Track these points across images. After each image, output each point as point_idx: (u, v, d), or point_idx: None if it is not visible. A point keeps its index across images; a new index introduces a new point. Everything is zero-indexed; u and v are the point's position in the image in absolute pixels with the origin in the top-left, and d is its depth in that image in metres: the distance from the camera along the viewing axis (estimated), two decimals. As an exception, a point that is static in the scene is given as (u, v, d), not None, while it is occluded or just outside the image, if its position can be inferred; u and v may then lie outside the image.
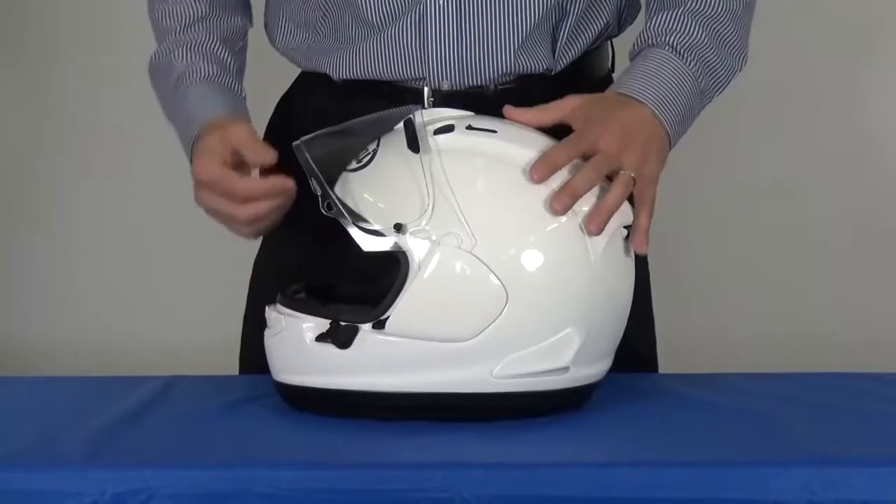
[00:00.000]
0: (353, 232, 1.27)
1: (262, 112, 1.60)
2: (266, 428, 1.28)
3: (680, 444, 1.22)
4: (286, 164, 1.34)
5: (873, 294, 2.39)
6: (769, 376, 1.47)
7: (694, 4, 1.48)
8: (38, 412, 1.34)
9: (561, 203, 1.26)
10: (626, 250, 1.32)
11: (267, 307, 1.34)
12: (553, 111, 1.36)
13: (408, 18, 1.48)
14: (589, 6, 1.53)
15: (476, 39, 1.48)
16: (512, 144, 1.30)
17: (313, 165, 1.27)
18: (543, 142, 1.32)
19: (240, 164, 1.37)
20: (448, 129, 1.30)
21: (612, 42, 1.61)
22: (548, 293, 1.26)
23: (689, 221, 2.32)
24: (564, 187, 1.27)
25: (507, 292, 1.24)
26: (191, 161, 1.42)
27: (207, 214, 1.39)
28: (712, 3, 1.48)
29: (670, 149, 1.41)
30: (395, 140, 1.29)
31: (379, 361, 1.26)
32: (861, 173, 2.39)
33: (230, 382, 1.46)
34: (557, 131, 1.35)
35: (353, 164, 1.30)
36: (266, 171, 1.36)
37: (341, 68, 1.52)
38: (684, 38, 1.45)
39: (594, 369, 1.31)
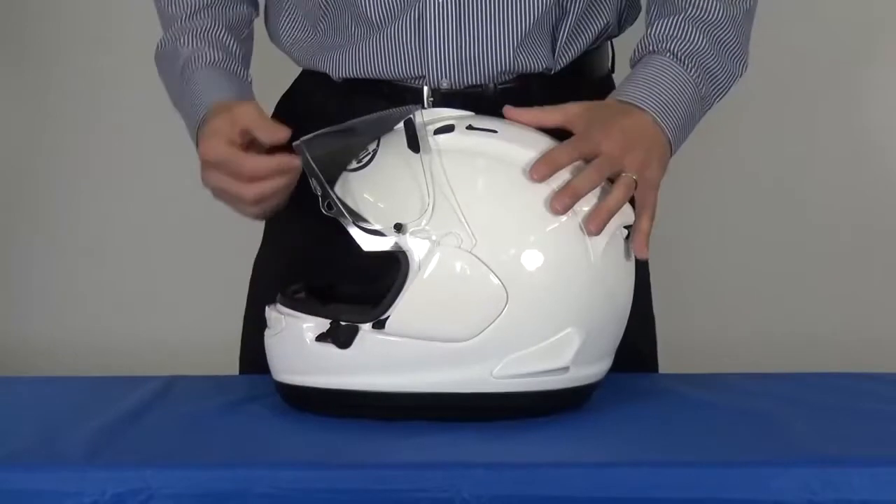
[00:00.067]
0: (354, 232, 1.27)
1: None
2: (266, 428, 1.28)
3: (680, 444, 1.22)
4: None
5: (873, 294, 2.39)
6: (769, 376, 1.47)
7: (694, 11, 1.48)
8: (38, 412, 1.34)
9: (561, 203, 1.26)
10: (627, 250, 1.32)
11: (267, 307, 1.34)
12: (554, 114, 1.36)
13: (407, 17, 1.48)
14: (589, 6, 1.53)
15: (475, 37, 1.48)
16: (512, 144, 1.30)
17: (313, 165, 1.27)
18: (544, 142, 1.32)
19: (247, 145, 1.36)
20: (448, 128, 1.30)
21: (612, 42, 1.61)
22: (548, 293, 1.26)
23: (690, 221, 2.32)
24: (565, 187, 1.27)
25: (507, 292, 1.24)
26: (197, 145, 1.42)
27: (213, 195, 1.38)
28: (713, 9, 1.48)
29: (671, 155, 1.41)
30: (396, 140, 1.29)
31: (379, 361, 1.26)
32: (861, 174, 2.38)
33: (230, 382, 1.46)
34: (557, 136, 1.35)
35: (354, 164, 1.30)
36: (271, 151, 1.35)
37: (341, 67, 1.52)
38: (685, 45, 1.45)
39: (594, 369, 1.31)
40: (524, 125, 1.35)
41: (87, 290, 2.42)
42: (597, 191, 1.30)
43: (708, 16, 1.47)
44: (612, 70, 1.62)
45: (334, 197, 1.27)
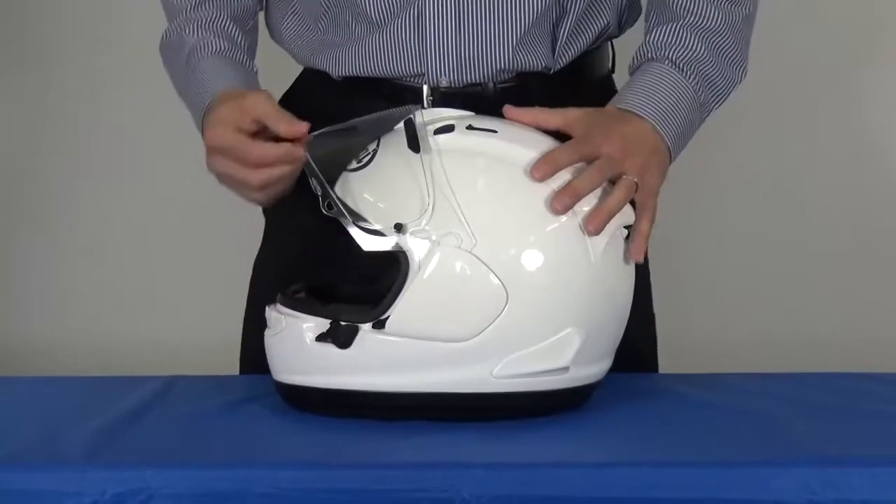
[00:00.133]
0: (354, 232, 1.27)
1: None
2: (266, 428, 1.28)
3: (680, 444, 1.22)
4: None
5: (873, 294, 2.39)
6: (769, 376, 1.47)
7: (693, 18, 1.48)
8: (38, 412, 1.34)
9: (562, 203, 1.26)
10: (627, 251, 1.32)
11: (267, 307, 1.34)
12: (554, 116, 1.36)
13: (406, 15, 1.48)
14: (589, 6, 1.53)
15: (474, 35, 1.48)
16: (512, 144, 1.30)
17: (314, 165, 1.27)
18: (544, 142, 1.32)
19: (254, 133, 1.35)
20: (448, 128, 1.30)
21: (612, 43, 1.61)
22: (548, 293, 1.26)
23: (690, 221, 2.32)
24: (566, 187, 1.27)
25: (507, 292, 1.24)
26: (202, 132, 1.41)
27: (219, 180, 1.38)
28: (712, 16, 1.48)
29: (670, 163, 1.42)
30: (396, 140, 1.29)
31: (379, 361, 1.26)
32: (861, 174, 2.38)
33: (230, 382, 1.46)
34: (556, 139, 1.35)
35: (354, 164, 1.30)
36: (275, 137, 1.34)
37: (341, 65, 1.52)
38: (684, 52, 1.45)
39: (594, 369, 1.31)
40: (524, 125, 1.34)
41: (87, 290, 2.42)
42: (597, 192, 1.30)
43: (706, 23, 1.48)
44: (613, 70, 1.62)
45: (334, 197, 1.27)
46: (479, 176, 1.29)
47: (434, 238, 1.25)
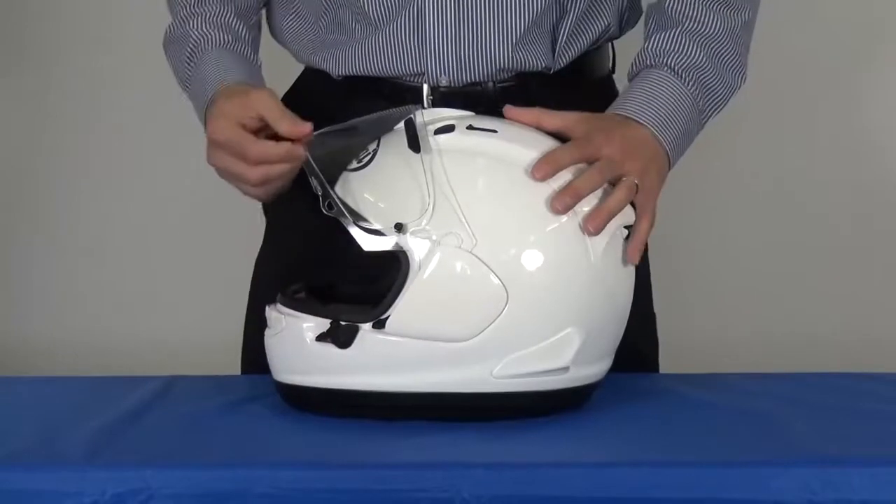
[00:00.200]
0: (354, 231, 1.27)
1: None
2: (266, 428, 1.28)
3: (680, 444, 1.22)
4: None
5: (873, 294, 2.39)
6: (769, 376, 1.47)
7: (692, 24, 1.48)
8: (38, 412, 1.34)
9: (562, 203, 1.26)
10: (625, 251, 1.32)
11: (267, 307, 1.34)
12: (554, 118, 1.35)
13: (406, 13, 1.48)
14: (589, 6, 1.53)
15: (473, 35, 1.48)
16: (513, 144, 1.30)
17: (314, 165, 1.27)
18: (545, 142, 1.32)
19: (256, 129, 1.35)
20: (449, 128, 1.30)
21: (612, 43, 1.61)
22: (548, 293, 1.26)
23: (690, 222, 2.32)
24: (567, 187, 1.27)
25: (507, 292, 1.24)
26: (204, 125, 1.41)
27: (218, 174, 1.38)
28: (710, 22, 1.48)
29: (669, 169, 1.42)
30: (396, 140, 1.29)
31: (379, 361, 1.26)
32: (861, 174, 2.39)
33: (230, 382, 1.46)
34: (557, 141, 1.35)
35: (354, 164, 1.30)
36: (277, 134, 1.34)
37: (341, 64, 1.52)
38: (682, 59, 1.45)
39: (594, 369, 1.31)
40: (524, 125, 1.34)
41: (87, 290, 2.42)
42: (598, 192, 1.30)
43: (705, 29, 1.47)
44: (613, 71, 1.62)
45: (335, 197, 1.27)
46: (479, 176, 1.28)
47: (434, 238, 1.25)
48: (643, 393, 1.38)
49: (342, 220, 1.27)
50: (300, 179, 1.32)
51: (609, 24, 1.55)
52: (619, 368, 1.35)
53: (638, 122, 1.40)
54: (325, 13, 1.54)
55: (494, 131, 1.30)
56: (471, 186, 1.27)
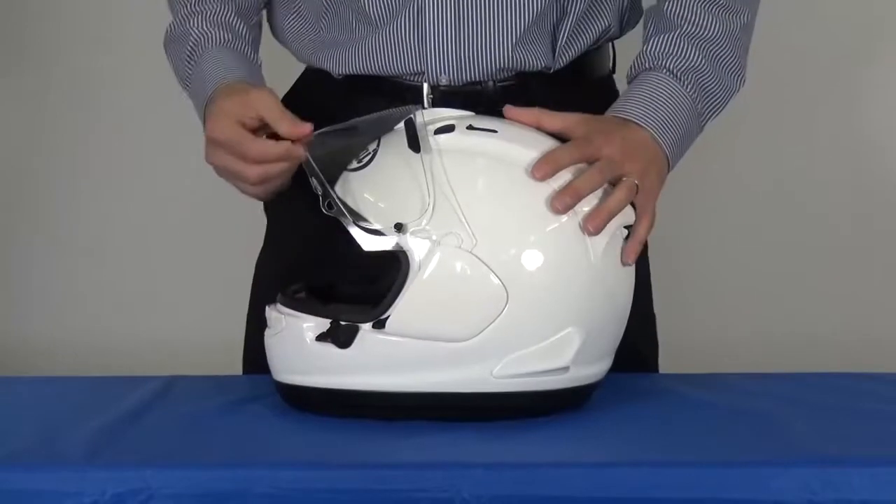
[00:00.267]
0: (354, 231, 1.27)
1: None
2: (266, 428, 1.28)
3: (680, 444, 1.22)
4: None
5: (873, 294, 2.39)
6: (769, 376, 1.47)
7: (691, 28, 1.48)
8: (38, 412, 1.34)
9: (562, 202, 1.26)
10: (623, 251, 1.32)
11: (267, 307, 1.34)
12: (554, 119, 1.35)
13: (406, 13, 1.48)
14: (589, 6, 1.53)
15: (473, 34, 1.48)
16: (513, 144, 1.30)
17: (314, 164, 1.27)
18: (545, 142, 1.32)
19: (255, 128, 1.35)
20: (449, 128, 1.30)
21: (612, 43, 1.61)
22: (548, 293, 1.26)
23: (690, 222, 2.32)
24: (567, 187, 1.27)
25: (507, 292, 1.24)
26: (204, 123, 1.41)
27: (217, 173, 1.38)
28: (709, 25, 1.48)
29: (668, 171, 1.42)
30: (396, 140, 1.29)
31: (379, 361, 1.26)
32: (861, 174, 2.39)
33: (230, 382, 1.46)
34: (557, 141, 1.35)
35: (354, 164, 1.30)
36: (276, 133, 1.34)
37: (341, 64, 1.52)
38: (681, 62, 1.45)
39: (594, 369, 1.31)
40: (524, 125, 1.34)
41: (87, 290, 2.42)
42: (598, 192, 1.30)
43: (704, 32, 1.48)
44: (613, 71, 1.62)
45: (335, 196, 1.27)
46: (479, 176, 1.28)
47: (434, 238, 1.25)
48: (643, 393, 1.38)
49: (342, 219, 1.27)
50: (300, 179, 1.32)
51: (609, 25, 1.55)
52: (619, 368, 1.35)
53: (637, 124, 1.40)
54: (325, 13, 1.54)
55: (494, 131, 1.30)
56: (471, 186, 1.27)
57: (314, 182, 1.28)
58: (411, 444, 1.21)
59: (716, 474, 1.13)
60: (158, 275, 2.41)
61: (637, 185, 1.33)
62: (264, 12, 1.62)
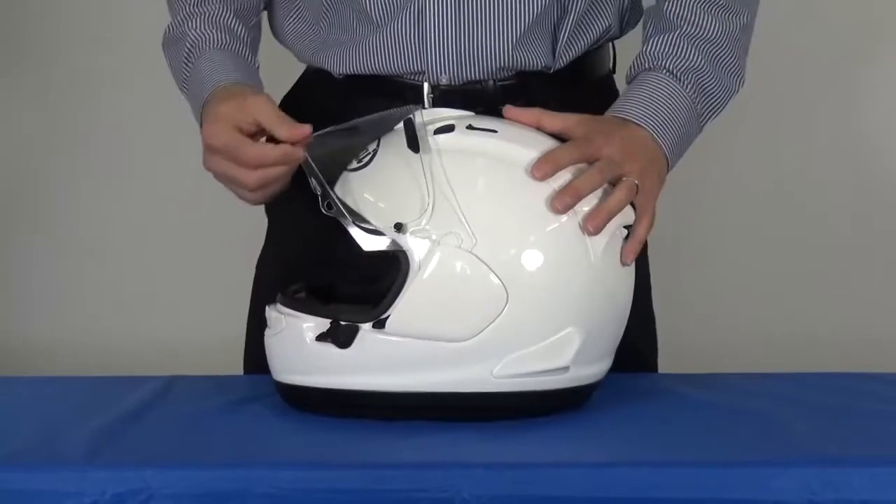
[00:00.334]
0: (354, 231, 1.27)
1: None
2: (266, 428, 1.28)
3: (680, 444, 1.22)
4: None
5: (873, 294, 2.39)
6: (769, 376, 1.47)
7: (690, 28, 1.48)
8: (38, 412, 1.34)
9: (562, 202, 1.26)
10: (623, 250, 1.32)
11: (267, 307, 1.34)
12: (554, 119, 1.35)
13: (407, 12, 1.48)
14: (590, 6, 1.53)
15: (474, 33, 1.48)
16: (512, 144, 1.30)
17: (313, 165, 1.27)
18: (545, 142, 1.32)
19: (252, 133, 1.35)
20: (448, 128, 1.30)
21: (612, 43, 1.61)
22: (548, 293, 1.26)
23: (690, 222, 2.32)
24: (567, 187, 1.27)
25: (507, 292, 1.24)
26: (201, 126, 1.41)
27: (216, 178, 1.38)
28: (709, 26, 1.48)
29: (668, 171, 1.42)
30: (396, 140, 1.29)
31: (379, 361, 1.26)
32: (860, 174, 2.39)
33: (230, 382, 1.46)
34: (557, 141, 1.35)
35: (354, 164, 1.30)
36: (273, 137, 1.34)
37: (342, 63, 1.52)
38: (681, 62, 1.45)
39: (594, 369, 1.31)
40: (524, 125, 1.34)
41: (87, 290, 2.42)
42: (598, 192, 1.30)
43: (704, 33, 1.47)
44: (613, 70, 1.62)
45: (334, 197, 1.27)
46: (479, 176, 1.28)
47: (434, 238, 1.25)
48: (643, 393, 1.38)
49: (341, 220, 1.27)
50: (301, 179, 1.32)
51: (610, 25, 1.55)
52: (619, 368, 1.35)
53: (637, 124, 1.40)
54: (326, 13, 1.54)
55: (494, 131, 1.30)
56: (471, 186, 1.27)
57: (313, 183, 1.28)
58: (411, 444, 1.21)
59: (716, 474, 1.13)
60: (158, 275, 2.41)
61: (637, 185, 1.33)
62: (264, 13, 1.62)
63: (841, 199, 2.39)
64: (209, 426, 1.28)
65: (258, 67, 1.53)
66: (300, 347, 1.29)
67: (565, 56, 1.53)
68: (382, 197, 1.28)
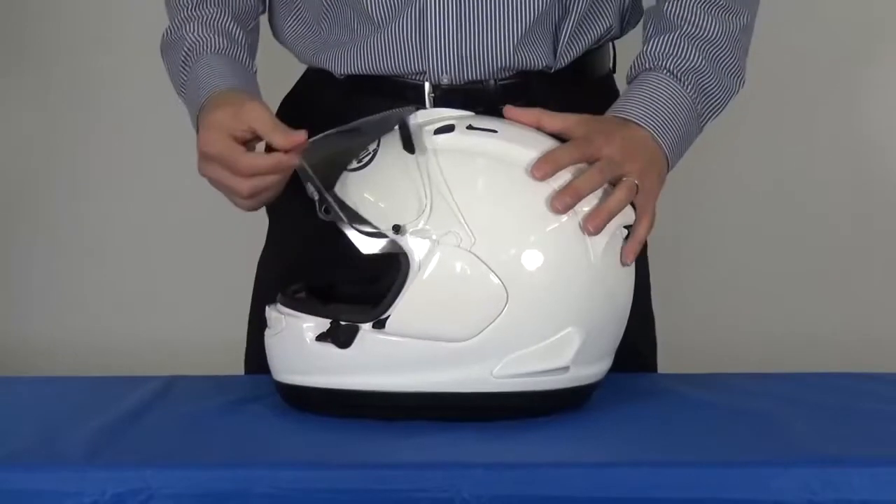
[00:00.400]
0: (351, 234, 1.27)
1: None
2: (266, 428, 1.28)
3: (680, 444, 1.22)
4: None
5: (873, 294, 2.39)
6: (769, 376, 1.47)
7: (690, 28, 1.48)
8: (38, 412, 1.34)
9: (562, 202, 1.26)
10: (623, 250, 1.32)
11: (267, 307, 1.34)
12: (554, 120, 1.35)
13: (408, 12, 1.48)
14: (591, 7, 1.53)
15: (475, 33, 1.48)
16: (512, 144, 1.30)
17: (309, 171, 1.27)
18: (545, 142, 1.32)
19: (248, 140, 1.35)
20: (448, 128, 1.30)
21: (613, 43, 1.61)
22: (548, 293, 1.26)
23: (690, 222, 2.32)
24: (567, 187, 1.27)
25: (507, 292, 1.24)
26: (197, 131, 1.41)
27: (210, 185, 1.38)
28: (709, 26, 1.48)
29: (668, 171, 1.42)
30: (396, 140, 1.30)
31: (379, 361, 1.26)
32: (861, 174, 2.39)
33: (230, 382, 1.46)
34: (557, 141, 1.35)
35: (354, 164, 1.30)
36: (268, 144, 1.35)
37: (343, 64, 1.52)
38: (681, 63, 1.45)
39: (594, 369, 1.31)
40: (524, 125, 1.34)
41: (87, 290, 2.42)
42: (598, 192, 1.30)
43: (704, 33, 1.48)
44: (614, 70, 1.63)
45: (331, 201, 1.27)
46: (478, 176, 1.28)
47: (434, 237, 1.25)
48: (643, 393, 1.38)
49: (339, 223, 1.27)
50: (301, 181, 1.32)
51: (611, 25, 1.56)
52: (619, 368, 1.35)
53: (637, 124, 1.40)
54: (326, 14, 1.54)
55: (494, 131, 1.30)
56: (470, 186, 1.27)
57: (310, 188, 1.28)
58: (411, 444, 1.21)
59: (716, 474, 1.13)
60: (158, 275, 2.41)
61: (637, 185, 1.33)
62: (263, 16, 1.62)
63: (841, 199, 2.39)
64: (209, 426, 1.28)
65: (256, 72, 1.53)
66: (300, 347, 1.29)
67: (566, 56, 1.53)
68: (382, 197, 1.28)
